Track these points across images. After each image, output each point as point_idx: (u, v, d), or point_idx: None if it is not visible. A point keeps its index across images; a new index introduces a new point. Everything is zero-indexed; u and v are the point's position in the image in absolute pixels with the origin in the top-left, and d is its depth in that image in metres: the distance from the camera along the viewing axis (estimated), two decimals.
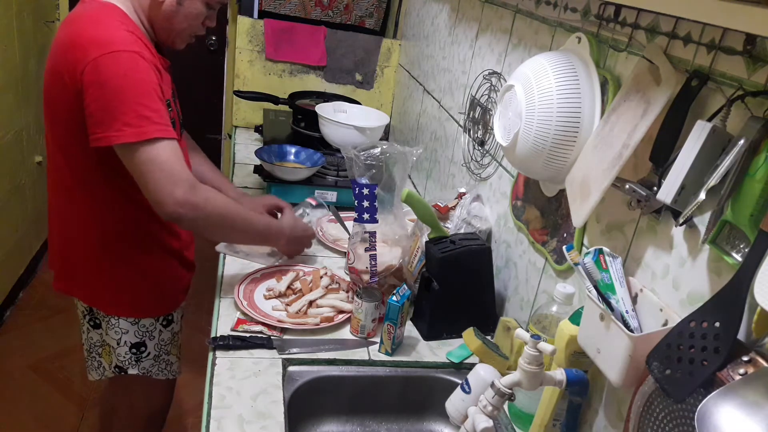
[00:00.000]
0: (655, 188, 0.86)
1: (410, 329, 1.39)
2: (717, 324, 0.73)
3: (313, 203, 1.75)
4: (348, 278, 1.50)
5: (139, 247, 1.41)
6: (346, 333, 1.35)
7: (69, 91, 1.21)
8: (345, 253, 1.63)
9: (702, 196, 0.76)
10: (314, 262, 1.62)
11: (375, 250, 1.35)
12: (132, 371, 1.51)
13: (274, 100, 2.43)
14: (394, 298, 1.26)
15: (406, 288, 1.29)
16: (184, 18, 1.34)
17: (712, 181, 0.75)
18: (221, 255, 1.58)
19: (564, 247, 0.98)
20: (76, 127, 1.23)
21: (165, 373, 1.57)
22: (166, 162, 1.20)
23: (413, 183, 2.29)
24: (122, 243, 1.39)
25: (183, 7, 1.32)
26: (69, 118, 1.25)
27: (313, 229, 1.62)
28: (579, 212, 1.01)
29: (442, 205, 1.57)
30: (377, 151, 1.42)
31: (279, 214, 1.62)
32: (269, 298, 1.42)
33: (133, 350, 1.48)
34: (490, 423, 0.88)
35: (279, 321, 1.33)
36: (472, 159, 1.70)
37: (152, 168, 1.20)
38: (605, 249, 0.95)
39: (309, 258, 1.64)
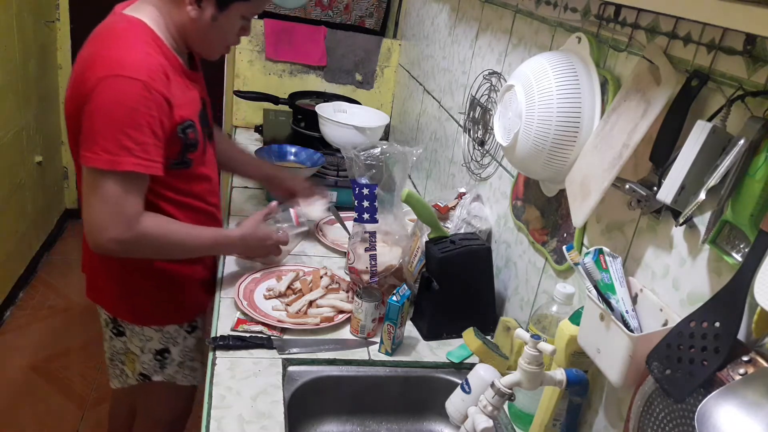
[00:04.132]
0: (655, 188, 0.86)
1: (410, 329, 1.39)
2: (717, 324, 0.73)
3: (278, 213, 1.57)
4: (348, 278, 1.50)
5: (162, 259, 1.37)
6: (346, 333, 1.35)
7: (80, 108, 1.20)
8: (345, 253, 1.63)
9: (702, 196, 0.76)
10: (314, 263, 1.62)
11: (375, 250, 1.35)
12: (156, 378, 1.49)
13: (274, 100, 2.43)
14: (394, 298, 1.26)
15: (406, 288, 1.29)
16: (219, 32, 1.32)
17: (712, 181, 0.75)
18: (221, 255, 1.58)
19: (564, 247, 0.98)
20: None
21: (189, 380, 1.55)
22: (117, 199, 1.18)
23: (413, 183, 2.29)
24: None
25: (218, 23, 1.29)
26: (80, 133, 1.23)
27: (277, 236, 1.49)
28: (579, 212, 1.01)
29: (442, 205, 1.56)
30: (377, 151, 1.42)
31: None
32: (269, 298, 1.42)
33: (158, 357, 1.47)
34: (490, 423, 0.88)
35: (279, 321, 1.33)
36: (472, 159, 1.70)
37: (101, 200, 1.19)
38: (605, 249, 0.95)
39: (309, 258, 1.64)
